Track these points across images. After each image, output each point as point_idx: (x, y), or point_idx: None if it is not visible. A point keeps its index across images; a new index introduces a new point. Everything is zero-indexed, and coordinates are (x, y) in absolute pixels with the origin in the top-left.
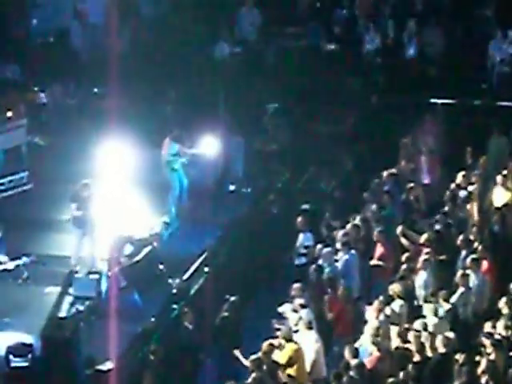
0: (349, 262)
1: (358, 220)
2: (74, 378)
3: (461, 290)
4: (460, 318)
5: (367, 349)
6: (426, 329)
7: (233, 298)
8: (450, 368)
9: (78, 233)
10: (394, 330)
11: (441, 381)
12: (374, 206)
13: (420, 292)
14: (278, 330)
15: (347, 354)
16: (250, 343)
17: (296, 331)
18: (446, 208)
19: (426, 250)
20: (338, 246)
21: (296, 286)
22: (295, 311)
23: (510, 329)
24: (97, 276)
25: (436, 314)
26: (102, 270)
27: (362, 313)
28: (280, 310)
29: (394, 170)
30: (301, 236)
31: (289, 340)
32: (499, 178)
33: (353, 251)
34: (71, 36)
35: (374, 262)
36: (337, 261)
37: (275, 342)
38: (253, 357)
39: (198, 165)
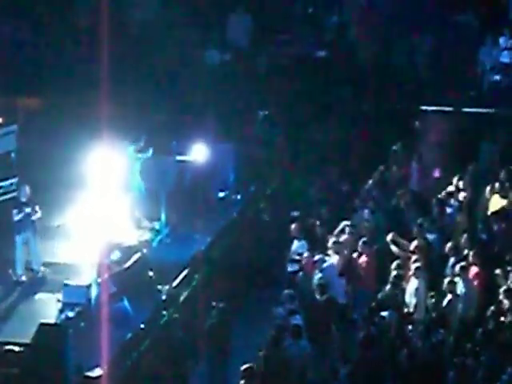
0: (328, 271)
1: (346, 227)
2: None
3: (448, 297)
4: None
5: None
6: None
7: (221, 305)
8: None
9: (19, 238)
10: None
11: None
12: (365, 212)
13: (411, 300)
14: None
15: None
16: (240, 350)
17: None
18: (435, 215)
19: (416, 257)
20: (330, 252)
21: (286, 292)
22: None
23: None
24: (87, 283)
25: None
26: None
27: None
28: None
29: (382, 177)
30: (295, 243)
31: None
32: (496, 186)
33: (334, 260)
34: None
35: (357, 271)
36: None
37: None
38: (244, 366)
39: (188, 172)
